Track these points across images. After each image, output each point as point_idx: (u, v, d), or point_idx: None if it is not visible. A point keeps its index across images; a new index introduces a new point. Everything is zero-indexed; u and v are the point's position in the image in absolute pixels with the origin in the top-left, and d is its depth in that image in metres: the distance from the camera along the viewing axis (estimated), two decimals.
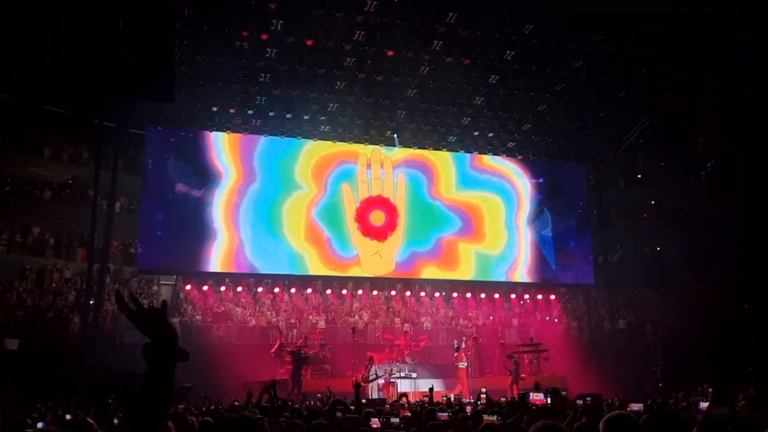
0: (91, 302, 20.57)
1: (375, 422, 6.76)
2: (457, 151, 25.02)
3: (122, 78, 18.91)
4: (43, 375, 16.18)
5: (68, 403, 14.40)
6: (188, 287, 22.78)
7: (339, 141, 23.62)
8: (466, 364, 20.67)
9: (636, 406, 5.95)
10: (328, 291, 24.14)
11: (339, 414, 7.31)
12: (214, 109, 21.80)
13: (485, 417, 6.72)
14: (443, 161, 24.93)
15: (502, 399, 13.81)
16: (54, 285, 21.87)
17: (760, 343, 20.99)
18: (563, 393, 7.50)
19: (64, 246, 22.88)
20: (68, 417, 9.01)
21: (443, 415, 7.15)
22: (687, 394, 16.12)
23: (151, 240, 21.39)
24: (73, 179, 23.66)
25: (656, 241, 27.00)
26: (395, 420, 7.60)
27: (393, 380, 19.85)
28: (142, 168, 22.04)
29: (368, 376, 19.46)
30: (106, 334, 20.83)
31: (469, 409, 9.59)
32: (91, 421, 5.29)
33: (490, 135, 24.48)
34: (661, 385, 20.63)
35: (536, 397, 9.38)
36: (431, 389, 12.74)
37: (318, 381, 20.05)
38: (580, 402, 6.83)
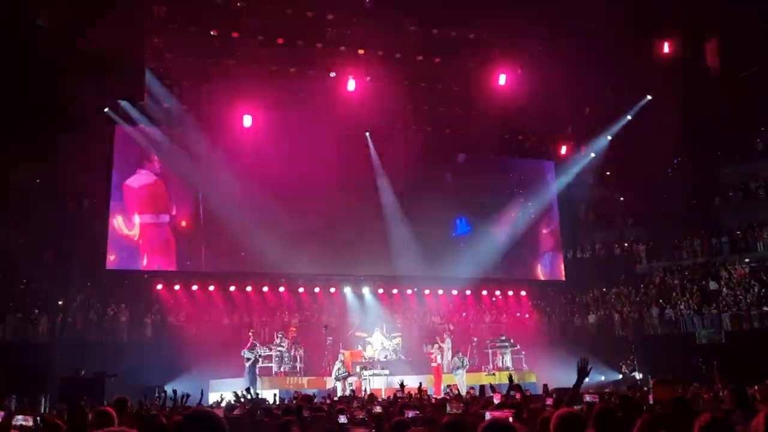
0: (59, 303, 20.36)
1: (342, 418, 6.85)
2: None
3: (92, 75, 18.80)
4: (11, 375, 16.01)
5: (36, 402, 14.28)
6: (159, 287, 22.61)
7: None
8: (439, 362, 20.89)
9: (589, 397, 6.04)
10: (301, 289, 24.14)
11: (306, 412, 7.40)
12: (185, 107, 21.69)
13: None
14: None
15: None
16: (22, 286, 21.57)
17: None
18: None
19: (31, 246, 22.53)
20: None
21: (412, 412, 7.24)
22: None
23: (121, 240, 21.22)
24: (41, 179, 23.31)
25: (624, 238, 27.48)
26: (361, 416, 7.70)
27: (365, 378, 19.99)
28: (111, 167, 21.80)
29: (334, 374, 19.66)
30: (75, 334, 20.67)
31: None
32: (59, 422, 5.32)
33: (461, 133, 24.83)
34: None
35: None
36: (402, 384, 12.79)
37: (290, 379, 20.18)
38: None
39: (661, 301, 24.69)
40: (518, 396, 7.57)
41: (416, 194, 23.84)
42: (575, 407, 4.23)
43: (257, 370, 19.91)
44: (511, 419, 5.41)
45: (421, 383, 12.84)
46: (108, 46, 17.20)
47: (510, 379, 8.32)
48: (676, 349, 21.70)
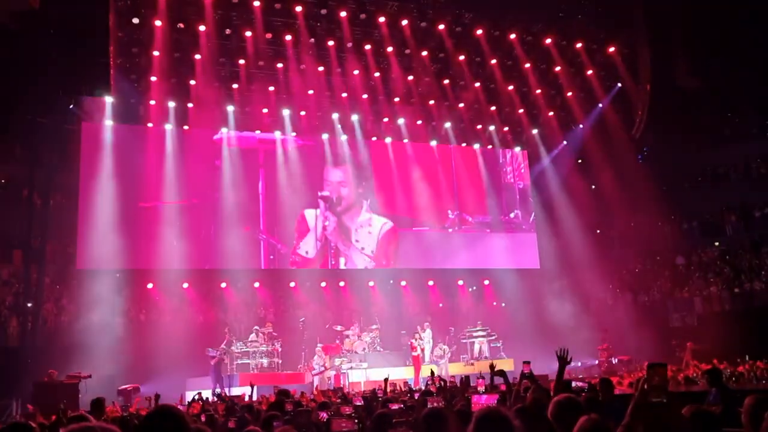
0: (29, 305, 19.92)
1: (323, 415, 6.74)
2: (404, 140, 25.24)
3: (56, 71, 18.40)
4: None
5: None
6: (132, 285, 22.17)
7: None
8: (419, 352, 20.86)
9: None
10: (277, 284, 23.91)
11: (288, 406, 7.29)
12: (152, 102, 21.31)
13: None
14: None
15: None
16: None
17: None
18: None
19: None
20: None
21: (395, 405, 7.19)
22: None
23: (91, 238, 20.74)
24: (6, 178, 22.77)
25: (598, 224, 27.65)
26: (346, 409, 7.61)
27: (344, 371, 19.92)
28: (79, 165, 21.30)
29: (314, 369, 19.58)
30: (47, 337, 20.23)
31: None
32: (33, 425, 5.12)
33: (433, 123, 24.86)
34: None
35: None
36: (386, 380, 12.68)
37: (268, 374, 20.00)
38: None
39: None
40: (503, 387, 7.55)
41: None
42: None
43: (225, 368, 19.78)
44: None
45: (387, 377, 12.69)
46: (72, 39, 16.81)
47: (491, 367, 8.18)
48: (650, 333, 21.95)
